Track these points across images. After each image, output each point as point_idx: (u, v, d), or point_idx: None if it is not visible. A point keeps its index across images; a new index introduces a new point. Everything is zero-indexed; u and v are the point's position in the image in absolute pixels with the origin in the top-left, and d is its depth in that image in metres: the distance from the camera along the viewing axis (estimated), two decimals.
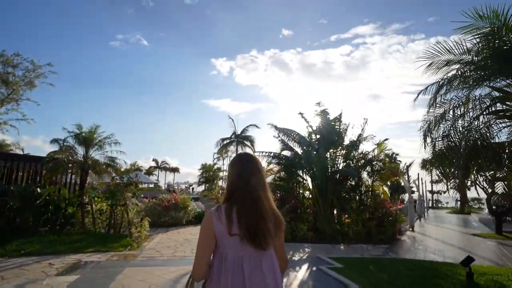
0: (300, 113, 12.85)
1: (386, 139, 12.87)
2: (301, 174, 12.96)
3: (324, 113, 12.68)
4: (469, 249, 8.82)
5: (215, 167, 33.73)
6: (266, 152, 12.36)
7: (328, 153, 12.34)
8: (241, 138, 23.64)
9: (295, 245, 8.68)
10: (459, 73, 5.03)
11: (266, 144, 27.89)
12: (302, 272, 5.68)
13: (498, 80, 4.97)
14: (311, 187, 12.50)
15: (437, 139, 5.48)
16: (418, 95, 5.45)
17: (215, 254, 1.42)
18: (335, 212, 11.49)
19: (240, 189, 1.45)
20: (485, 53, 4.80)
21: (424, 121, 5.50)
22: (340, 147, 12.36)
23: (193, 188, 44.03)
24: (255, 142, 23.99)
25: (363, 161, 12.36)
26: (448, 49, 4.91)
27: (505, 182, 6.85)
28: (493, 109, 5.09)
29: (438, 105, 5.19)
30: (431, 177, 43.30)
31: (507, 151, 5.32)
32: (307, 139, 12.54)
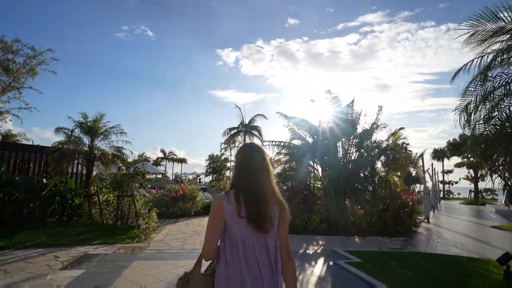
0: (311, 100, 12.38)
1: (401, 128, 12.32)
2: (312, 164, 12.57)
3: (335, 100, 12.17)
4: (493, 242, 8.37)
5: (223, 157, 33.50)
6: (275, 142, 11.95)
7: (340, 142, 11.88)
8: (248, 128, 23.23)
9: (307, 237, 8.36)
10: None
11: (273, 134, 27.58)
12: (318, 267, 5.34)
13: None
14: (322, 177, 12.13)
15: (478, 122, 4.89)
16: (458, 72, 4.85)
17: (224, 237, 1.48)
18: (347, 203, 11.11)
19: (246, 176, 1.52)
20: None
21: (461, 102, 4.94)
22: (352, 136, 11.88)
23: (200, 179, 44.05)
24: (262, 132, 23.61)
25: (376, 150, 11.86)
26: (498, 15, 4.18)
27: None
28: None
29: (479, 84, 4.58)
30: (443, 167, 42.48)
31: None
32: (318, 128, 12.08)
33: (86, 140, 9.11)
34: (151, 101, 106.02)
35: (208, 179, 40.47)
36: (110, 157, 9.55)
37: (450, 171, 43.78)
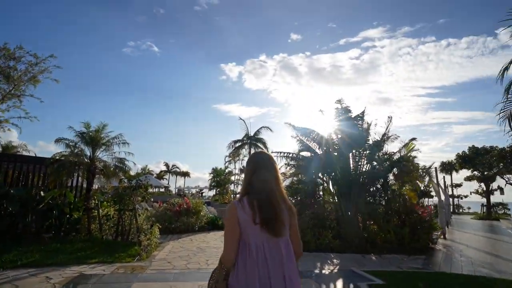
0: (321, 110, 12.00)
1: (413, 139, 11.84)
2: (322, 177, 12.08)
3: (345, 111, 11.79)
4: None
5: (227, 170, 32.96)
6: (284, 153, 11.52)
7: (350, 154, 11.43)
8: (254, 140, 22.84)
9: (320, 255, 7.78)
10: None
11: (277, 147, 27.15)
12: None
13: None
14: (332, 190, 11.61)
15: None
16: (505, 71, 4.46)
17: (239, 242, 1.50)
18: (359, 217, 10.53)
19: (258, 183, 1.57)
20: None
21: (506, 105, 4.52)
22: (363, 148, 11.43)
23: (202, 193, 43.37)
24: (268, 145, 23.19)
25: (388, 162, 11.37)
26: None
27: None
28: None
29: None
30: (451, 181, 41.50)
31: None
32: (327, 139, 11.66)
33: (87, 151, 8.75)
34: (155, 115, 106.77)
35: (212, 193, 39.83)
36: (112, 168, 9.17)
37: (459, 185, 42.69)
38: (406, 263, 7.06)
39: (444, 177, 36.94)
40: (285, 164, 12.04)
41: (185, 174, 62.73)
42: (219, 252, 7.29)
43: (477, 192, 32.62)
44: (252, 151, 22.44)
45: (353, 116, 11.68)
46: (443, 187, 18.87)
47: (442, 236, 11.83)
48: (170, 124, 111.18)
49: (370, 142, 11.46)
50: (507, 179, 27.73)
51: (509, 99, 4.41)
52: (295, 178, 11.67)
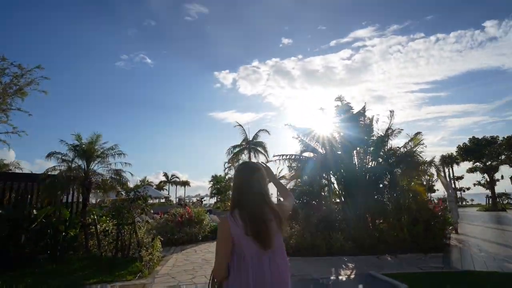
0: (321, 109, 11.68)
1: (418, 133, 11.49)
2: (326, 177, 11.70)
3: (347, 107, 11.48)
4: None
5: (227, 177, 32.48)
6: (286, 155, 11.14)
7: (354, 151, 11.08)
8: (253, 145, 22.43)
9: (333, 259, 7.36)
10: None
11: (276, 150, 26.70)
12: None
13: None
14: (338, 190, 11.23)
15: None
16: None
17: (232, 254, 1.56)
18: (368, 217, 10.13)
19: (245, 196, 1.62)
20: None
21: None
22: (366, 144, 11.10)
23: (203, 201, 42.76)
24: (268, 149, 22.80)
25: (394, 157, 11.02)
26: None
27: None
28: None
29: None
30: (452, 173, 41.20)
31: None
32: (330, 138, 11.32)
33: (81, 164, 8.31)
34: (151, 126, 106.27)
35: (213, 200, 39.24)
36: (108, 181, 8.73)
37: (460, 177, 42.44)
38: (425, 262, 6.66)
39: (445, 170, 36.69)
40: (288, 166, 11.68)
41: (185, 183, 62.11)
42: None
43: (479, 183, 32.37)
44: (252, 155, 22.05)
45: (354, 113, 11.38)
46: (451, 180, 18.55)
47: (454, 231, 11.44)
48: (166, 135, 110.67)
49: (374, 138, 11.16)
50: None
51: None
52: (298, 180, 11.26)
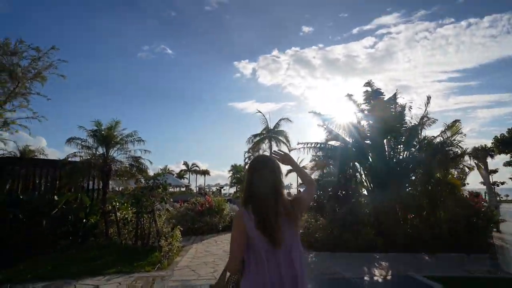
0: (348, 95, 10.87)
1: (457, 120, 10.43)
2: (353, 167, 10.98)
3: (376, 93, 10.62)
4: None
5: (247, 166, 32.28)
6: (310, 143, 10.51)
7: (385, 141, 10.28)
8: (274, 134, 21.81)
9: (362, 256, 6.80)
10: None
11: (297, 140, 25.93)
12: None
13: None
14: (367, 181, 10.51)
15: None
16: None
17: (248, 249, 1.52)
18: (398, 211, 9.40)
19: (255, 190, 1.57)
20: None
21: None
22: (398, 133, 10.23)
23: (221, 190, 43.03)
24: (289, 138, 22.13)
25: (427, 147, 10.10)
26: None
27: None
28: None
29: None
30: (486, 166, 38.68)
31: None
32: (357, 125, 10.56)
33: (100, 150, 8.14)
34: (172, 116, 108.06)
35: (232, 190, 39.32)
36: (128, 168, 8.55)
37: (494, 171, 39.80)
38: (471, 264, 5.96)
39: (476, 163, 34.38)
40: (312, 155, 11.06)
41: (205, 173, 62.77)
42: None
43: None
44: (273, 144, 21.49)
45: (385, 99, 10.52)
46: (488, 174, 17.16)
47: (495, 229, 10.45)
48: (187, 124, 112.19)
49: (407, 126, 10.28)
50: None
51: None
52: (325, 170, 10.63)
